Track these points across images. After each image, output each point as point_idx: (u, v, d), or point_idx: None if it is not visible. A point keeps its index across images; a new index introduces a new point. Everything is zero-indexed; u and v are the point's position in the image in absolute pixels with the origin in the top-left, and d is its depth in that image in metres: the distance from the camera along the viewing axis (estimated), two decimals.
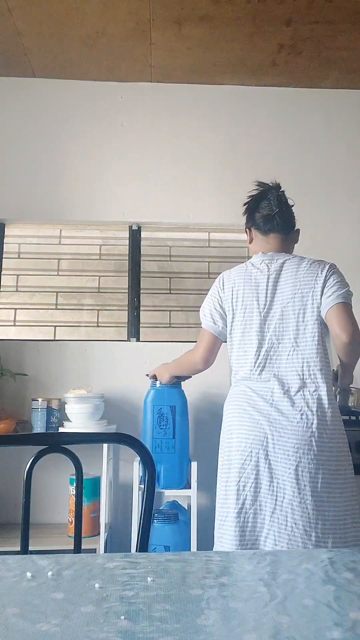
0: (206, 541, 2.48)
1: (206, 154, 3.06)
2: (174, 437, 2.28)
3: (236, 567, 0.62)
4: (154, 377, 2.19)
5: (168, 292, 3.02)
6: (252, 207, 1.76)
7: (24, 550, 0.98)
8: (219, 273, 3.01)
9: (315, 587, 0.56)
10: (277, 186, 1.77)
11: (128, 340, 2.91)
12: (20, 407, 2.68)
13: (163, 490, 2.29)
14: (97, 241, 3.06)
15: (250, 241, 1.80)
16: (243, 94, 3.14)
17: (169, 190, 3.00)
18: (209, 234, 3.11)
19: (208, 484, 2.67)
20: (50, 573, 0.60)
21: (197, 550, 2.19)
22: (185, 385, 2.42)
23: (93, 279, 3.00)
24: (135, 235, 3.04)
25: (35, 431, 2.47)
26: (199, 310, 2.95)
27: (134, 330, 2.93)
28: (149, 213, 2.98)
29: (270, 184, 1.78)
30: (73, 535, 1.04)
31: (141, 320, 2.96)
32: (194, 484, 2.25)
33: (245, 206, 1.80)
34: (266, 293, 1.62)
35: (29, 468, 1.00)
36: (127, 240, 3.04)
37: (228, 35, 2.69)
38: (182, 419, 2.32)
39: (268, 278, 1.63)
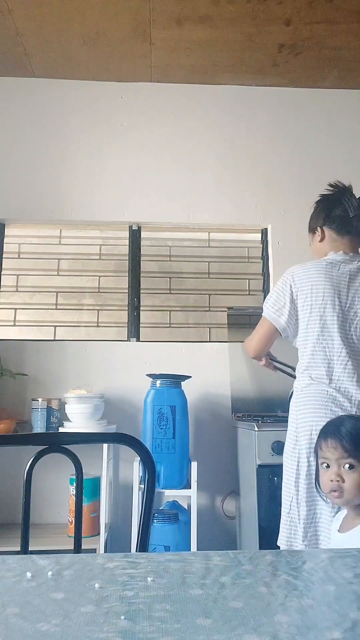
0: (206, 541, 2.49)
1: (206, 154, 3.06)
2: (174, 437, 2.28)
3: (236, 567, 0.62)
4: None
5: (168, 292, 3.03)
6: (329, 206, 1.75)
7: (24, 550, 0.98)
8: (219, 273, 3.05)
9: (315, 587, 0.56)
10: (351, 188, 1.77)
11: (128, 340, 2.91)
12: (20, 407, 2.68)
13: (163, 490, 2.29)
14: (97, 241, 3.06)
15: (321, 240, 1.76)
16: (243, 94, 3.14)
17: (169, 190, 3.00)
18: (209, 234, 3.11)
19: (208, 484, 2.67)
20: (50, 573, 0.60)
21: (197, 550, 2.19)
22: (185, 385, 2.43)
23: (93, 279, 3.00)
24: (135, 235, 3.04)
25: (35, 431, 2.47)
26: (199, 311, 2.99)
27: (134, 330, 2.93)
28: (149, 213, 2.98)
29: (346, 186, 1.77)
30: (73, 535, 1.04)
31: (141, 320, 2.96)
32: (194, 484, 2.25)
33: (320, 205, 1.78)
34: (347, 292, 1.62)
35: (29, 468, 1.00)
36: (127, 240, 3.04)
37: (228, 35, 2.69)
38: (182, 419, 2.32)
39: (349, 277, 1.63)
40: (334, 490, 1.25)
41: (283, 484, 1.60)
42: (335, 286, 1.62)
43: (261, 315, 1.74)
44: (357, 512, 1.28)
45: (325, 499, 1.38)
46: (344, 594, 0.55)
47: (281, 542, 1.56)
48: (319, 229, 1.77)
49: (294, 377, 2.00)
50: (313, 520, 1.48)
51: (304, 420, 1.55)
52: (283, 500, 1.58)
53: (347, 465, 1.25)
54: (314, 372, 1.59)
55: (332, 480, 1.26)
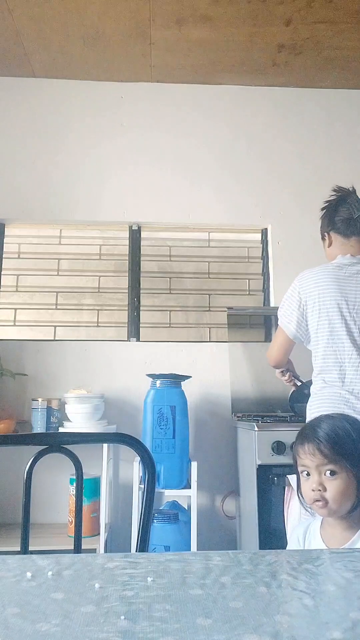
0: (206, 541, 2.49)
1: (206, 154, 3.06)
2: (174, 437, 2.28)
3: (236, 567, 0.62)
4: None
5: (168, 292, 3.02)
6: (332, 211, 1.77)
7: (24, 550, 0.98)
8: (219, 273, 3.05)
9: (315, 587, 0.56)
10: (354, 191, 1.78)
11: (128, 340, 2.91)
12: (20, 407, 2.68)
13: (163, 490, 2.29)
14: (97, 241, 3.06)
15: (329, 245, 1.79)
16: (243, 94, 3.14)
17: (169, 190, 3.00)
18: (209, 234, 3.11)
19: (208, 484, 2.67)
20: (50, 573, 0.60)
21: (197, 550, 2.19)
22: (185, 385, 2.43)
23: (93, 279, 3.00)
24: (135, 235, 3.04)
25: (35, 431, 2.47)
26: (198, 311, 2.99)
27: (134, 330, 2.93)
28: (149, 213, 2.98)
29: (349, 189, 1.79)
30: (73, 535, 1.04)
31: (141, 320, 2.96)
32: (194, 484, 2.25)
33: (324, 211, 1.81)
34: (355, 295, 1.63)
35: (29, 468, 1.00)
36: (127, 240, 3.04)
37: (228, 35, 2.69)
38: (182, 419, 2.32)
39: (356, 280, 1.64)
40: (317, 501, 1.14)
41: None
42: (342, 289, 1.64)
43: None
44: (346, 523, 1.17)
45: (309, 510, 1.26)
46: (344, 594, 0.55)
47: None
48: (326, 234, 1.80)
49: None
50: None
51: None
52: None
53: (328, 472, 1.14)
54: (327, 375, 1.62)
55: (313, 490, 1.14)
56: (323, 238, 1.83)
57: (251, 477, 2.16)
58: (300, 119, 3.14)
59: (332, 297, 1.63)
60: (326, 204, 1.81)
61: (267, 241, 3.06)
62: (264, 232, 3.09)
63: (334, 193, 1.80)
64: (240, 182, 3.05)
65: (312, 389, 1.67)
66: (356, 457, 1.15)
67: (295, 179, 3.06)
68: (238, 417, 2.58)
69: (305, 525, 1.27)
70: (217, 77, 3.07)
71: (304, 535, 1.25)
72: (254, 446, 2.12)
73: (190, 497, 2.30)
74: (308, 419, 1.62)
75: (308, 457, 1.17)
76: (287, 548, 1.35)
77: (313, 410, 1.60)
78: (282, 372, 2.02)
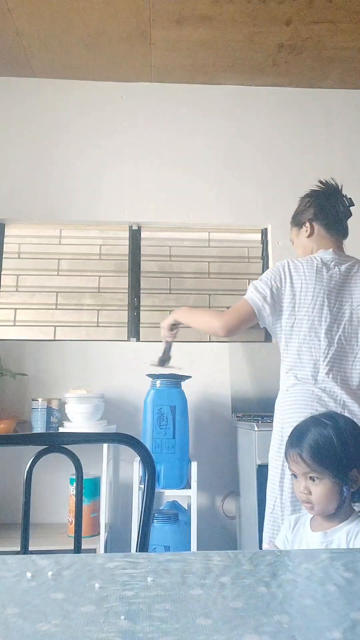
0: (206, 541, 2.49)
1: (206, 154, 3.06)
2: (174, 437, 2.28)
3: (236, 567, 0.62)
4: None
5: (168, 292, 3.02)
6: (321, 202, 1.72)
7: (24, 550, 0.98)
8: (219, 273, 3.05)
9: (315, 587, 0.56)
10: (342, 188, 1.75)
11: (128, 340, 2.91)
12: (20, 407, 2.68)
13: (163, 490, 2.29)
14: (97, 241, 3.06)
15: (309, 235, 1.72)
16: (243, 94, 3.14)
17: (169, 190, 3.00)
18: (209, 234, 3.11)
19: (208, 484, 2.67)
20: (50, 573, 0.60)
21: (197, 550, 2.19)
22: (185, 385, 2.43)
23: (93, 279, 3.00)
24: (135, 235, 3.04)
25: (35, 431, 2.47)
26: None
27: (134, 330, 2.93)
28: (149, 213, 2.98)
29: (338, 185, 1.75)
30: (73, 535, 1.04)
31: (141, 320, 2.96)
32: (194, 484, 2.25)
33: (311, 199, 1.74)
34: (337, 293, 1.60)
35: (29, 468, 1.00)
36: (127, 240, 3.04)
37: (228, 35, 2.69)
38: (182, 419, 2.32)
39: (339, 277, 1.61)
40: (306, 502, 1.23)
41: (268, 483, 1.58)
42: (326, 286, 1.59)
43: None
44: (332, 517, 1.24)
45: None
46: (344, 594, 0.55)
47: (264, 541, 1.55)
48: (307, 223, 1.72)
49: (162, 360, 1.97)
50: None
51: (290, 420, 1.52)
52: (267, 500, 1.56)
53: (310, 479, 1.22)
54: (300, 372, 1.57)
55: (301, 492, 1.23)
56: (300, 225, 1.75)
57: (251, 477, 2.16)
58: (300, 119, 3.14)
59: (316, 293, 1.58)
60: (314, 193, 1.76)
61: (267, 241, 3.06)
62: (264, 232, 3.09)
63: (323, 185, 1.75)
64: (240, 182, 3.05)
65: (283, 385, 1.62)
66: (337, 464, 1.20)
67: (295, 179, 3.05)
68: (238, 417, 2.58)
69: (297, 516, 1.35)
70: (217, 77, 3.07)
71: (295, 522, 1.33)
72: (254, 446, 2.12)
73: (190, 497, 2.30)
74: (279, 415, 1.59)
75: (293, 464, 1.25)
76: (278, 533, 1.39)
77: (285, 407, 1.57)
78: (174, 325, 1.87)
